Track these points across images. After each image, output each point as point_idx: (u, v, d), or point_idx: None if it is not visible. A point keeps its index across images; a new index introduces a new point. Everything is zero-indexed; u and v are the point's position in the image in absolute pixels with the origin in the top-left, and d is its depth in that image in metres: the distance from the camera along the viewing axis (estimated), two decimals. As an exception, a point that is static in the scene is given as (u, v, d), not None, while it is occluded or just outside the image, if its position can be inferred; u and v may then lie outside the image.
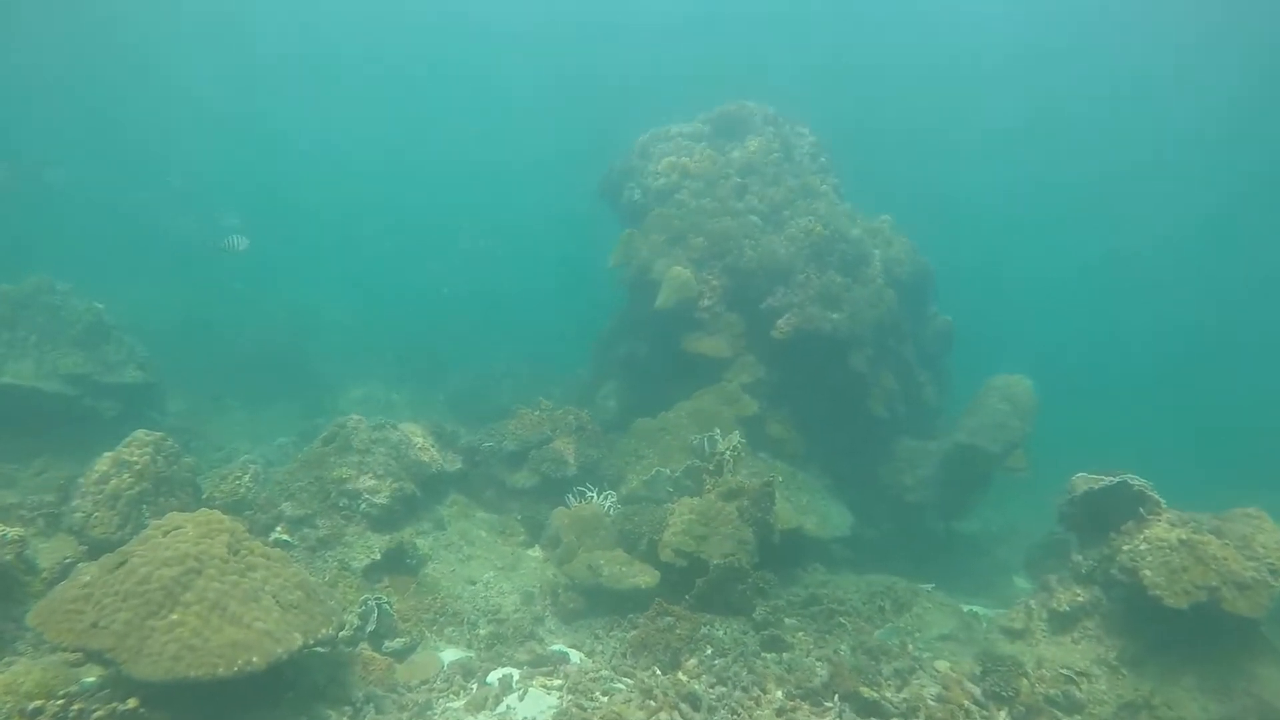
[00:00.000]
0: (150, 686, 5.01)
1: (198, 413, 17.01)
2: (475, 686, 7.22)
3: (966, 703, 6.78)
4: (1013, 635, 8.48)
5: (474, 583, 9.36)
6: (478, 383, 21.67)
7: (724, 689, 6.91)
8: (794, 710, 6.46)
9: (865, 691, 6.55)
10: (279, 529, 8.81)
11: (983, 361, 17.33)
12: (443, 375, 22.95)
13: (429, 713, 6.71)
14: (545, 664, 7.64)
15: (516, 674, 7.39)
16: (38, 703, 4.77)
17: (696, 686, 6.89)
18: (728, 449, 10.69)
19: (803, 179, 15.21)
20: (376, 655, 7.33)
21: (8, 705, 5.29)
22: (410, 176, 51.36)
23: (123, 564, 5.47)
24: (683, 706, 6.57)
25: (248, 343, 22.20)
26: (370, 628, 7.62)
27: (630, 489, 11.31)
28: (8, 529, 6.72)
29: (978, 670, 7.50)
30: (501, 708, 6.86)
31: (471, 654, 8.02)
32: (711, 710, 6.54)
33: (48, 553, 7.31)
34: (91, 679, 5.89)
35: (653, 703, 6.62)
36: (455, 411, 18.77)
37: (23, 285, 12.96)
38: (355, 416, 10.35)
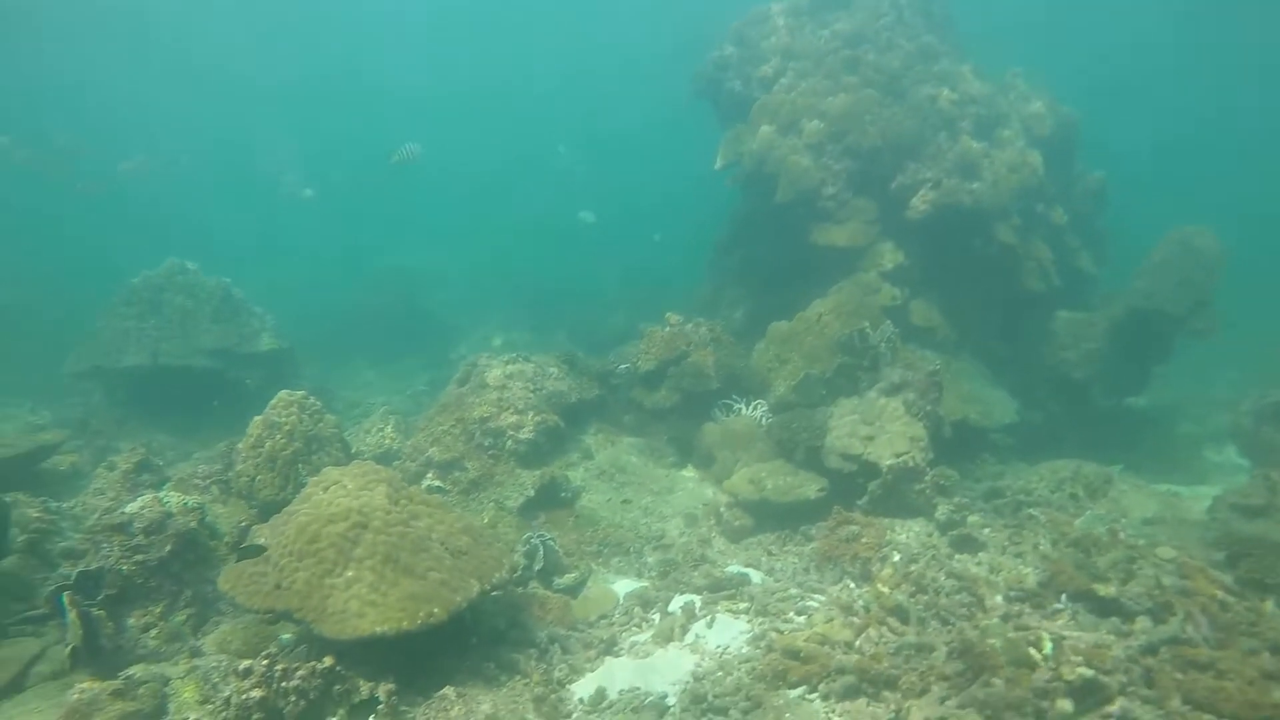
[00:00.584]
0: (341, 643, 4.84)
1: (329, 375, 17.49)
2: (658, 617, 6.88)
3: (1218, 593, 5.84)
4: (1251, 513, 7.37)
5: (632, 510, 9.02)
6: (593, 312, 21.39)
7: (928, 597, 6.25)
8: (1019, 615, 5.72)
9: (1100, 589, 5.73)
10: (429, 475, 8.70)
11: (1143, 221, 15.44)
12: (557, 310, 22.80)
13: (615, 648, 6.42)
14: (726, 587, 7.21)
15: (698, 600, 7.00)
16: (247, 663, 4.68)
17: (899, 598, 6.27)
18: (882, 341, 9.80)
19: (918, 41, 13.54)
20: (551, 594, 7.09)
21: (222, 664, 5.32)
22: (496, 112, 50.29)
23: (291, 524, 5.29)
24: (891, 620, 5.98)
25: (365, 305, 22.72)
26: (537, 566, 7.39)
27: (778, 396, 10.62)
28: (187, 497, 6.78)
29: (1219, 556, 6.52)
30: (689, 637, 6.48)
31: (645, 583, 7.70)
32: (922, 622, 5.92)
33: (225, 517, 7.41)
34: (288, 634, 5.91)
35: (856, 619, 6.06)
36: (576, 343, 18.54)
37: (160, 269, 13.36)
38: (485, 354, 10.08)
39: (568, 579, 7.62)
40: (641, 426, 11.08)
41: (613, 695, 5.74)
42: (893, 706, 5.10)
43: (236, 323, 13.33)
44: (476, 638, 5.99)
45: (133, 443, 11.12)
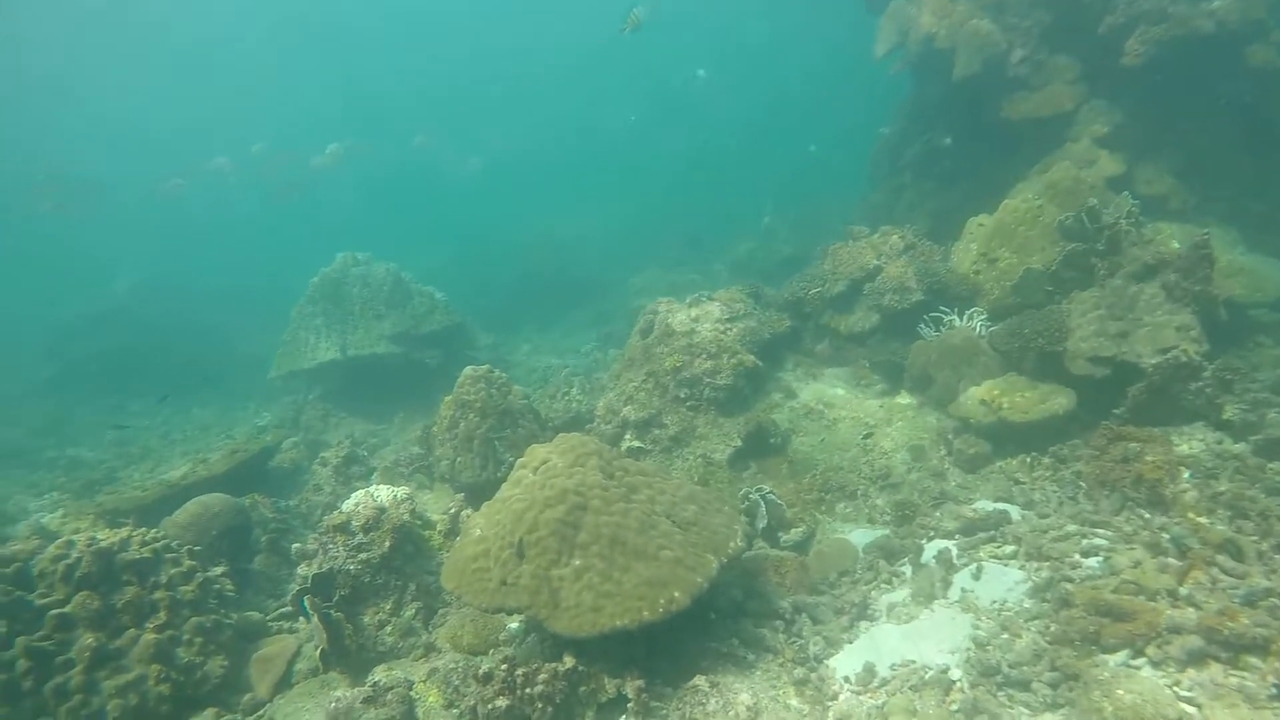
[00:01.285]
0: (579, 641, 4.36)
1: (500, 345, 17.63)
2: (908, 570, 6.00)
3: None
4: None
5: (849, 448, 8.09)
6: (755, 243, 20.22)
7: (1253, 524, 4.95)
8: None
9: None
10: (628, 436, 8.19)
11: None
12: (715, 246, 21.84)
13: (871, 611, 5.62)
14: (982, 528, 6.18)
15: (953, 547, 6.04)
16: (485, 666, 4.35)
17: (1222, 528, 5.01)
18: (1121, 215, 8.14)
19: None
20: (785, 554, 6.38)
21: (460, 665, 5.07)
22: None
23: (506, 512, 4.86)
24: (1221, 559, 4.76)
25: (522, 272, 22.83)
26: (761, 524, 6.70)
27: (993, 300, 9.22)
28: (397, 489, 6.65)
29: None
30: (954, 592, 5.55)
31: (883, 531, 6.81)
32: (1263, 558, 4.66)
33: (432, 504, 7.31)
34: (515, 623, 5.64)
35: (1172, 560, 4.89)
36: (742, 276, 17.56)
37: (334, 264, 13.75)
38: (665, 300, 9.38)
39: (794, 534, 6.89)
40: (839, 355, 10.04)
41: (883, 671, 4.96)
42: (1270, 677, 3.96)
43: (410, 305, 13.51)
44: (714, 613, 5.40)
45: (338, 435, 11.57)
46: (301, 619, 6.37)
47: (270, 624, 6.53)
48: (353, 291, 13.27)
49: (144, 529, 6.25)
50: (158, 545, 6.03)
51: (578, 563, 4.50)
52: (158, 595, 5.74)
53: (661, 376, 8.51)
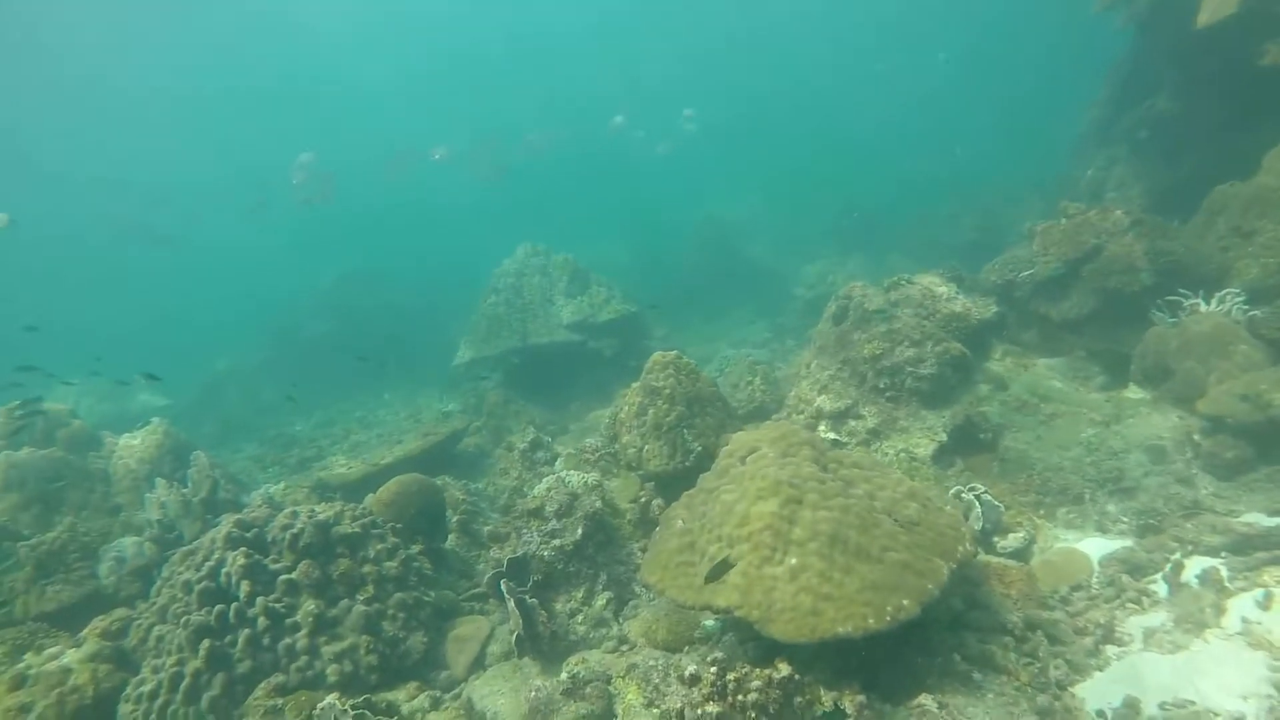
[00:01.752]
0: (795, 647, 3.98)
1: (671, 336, 17.50)
2: (1164, 590, 5.14)
3: None
4: None
5: (1071, 446, 7.17)
6: (932, 227, 18.86)
7: None
8: None
9: None
10: (822, 427, 7.70)
11: None
12: (887, 231, 20.59)
13: (1120, 635, 4.85)
14: (1261, 546, 5.19)
15: (1222, 566, 5.10)
16: (691, 668, 4.08)
17: None
18: None
19: None
20: (1006, 562, 5.69)
21: (659, 662, 4.85)
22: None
23: (713, 504, 4.56)
24: None
25: (689, 260, 22.58)
26: (976, 526, 6.02)
27: (1248, 281, 7.90)
28: (586, 475, 6.58)
29: None
30: (1233, 621, 4.67)
31: (1120, 541, 5.93)
32: None
33: (618, 492, 7.17)
34: (711, 620, 5.36)
35: None
36: (919, 262, 16.40)
37: (515, 255, 14.14)
38: (859, 284, 8.77)
39: (1013, 540, 6.16)
40: (1048, 343, 9.00)
41: (1150, 709, 4.23)
42: None
43: (588, 295, 13.63)
44: (935, 623, 4.84)
45: (518, 422, 11.84)
46: (492, 601, 6.45)
47: (463, 604, 6.65)
48: (533, 281, 13.58)
49: (352, 505, 6.54)
50: (365, 521, 6.28)
51: (793, 561, 4.12)
52: (366, 569, 5.95)
53: (859, 364, 7.93)
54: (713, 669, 4.02)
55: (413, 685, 5.57)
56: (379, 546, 6.19)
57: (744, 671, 4.03)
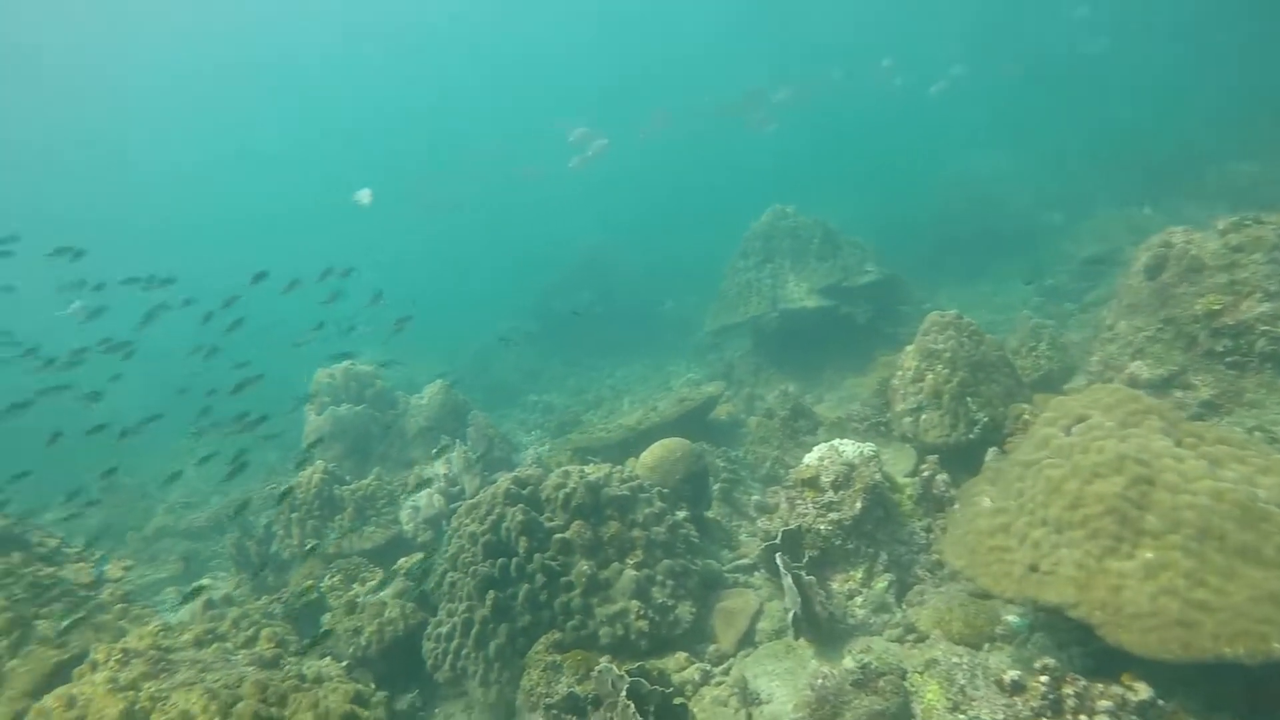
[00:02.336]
0: (1151, 664, 3.23)
1: (927, 301, 16.09)
2: None
3: None
4: None
5: None
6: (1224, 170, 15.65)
7: None
8: None
9: None
10: (1142, 398, 6.45)
11: None
12: (1176, 176, 17.36)
13: None
14: None
15: None
16: (1012, 673, 3.49)
17: None
18: None
19: None
20: None
21: (964, 660, 4.28)
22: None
23: (1034, 481, 3.87)
24: None
25: (938, 220, 20.67)
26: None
27: None
28: (863, 445, 6.04)
29: None
30: None
31: None
32: None
33: (892, 464, 6.55)
34: (1014, 616, 4.66)
35: None
36: (1209, 209, 13.60)
37: (763, 218, 13.72)
38: (1180, 229, 7.27)
39: None
40: None
41: None
42: None
43: (840, 257, 12.86)
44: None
45: (770, 389, 11.45)
46: (759, 574, 6.18)
47: (727, 575, 6.45)
48: (782, 245, 13.07)
49: (619, 467, 6.58)
50: (633, 484, 6.27)
51: (1149, 555, 3.34)
52: (635, 533, 5.94)
53: (1186, 324, 6.55)
54: (1042, 678, 3.39)
55: (681, 655, 5.45)
56: (647, 510, 6.16)
57: (1082, 686, 3.35)
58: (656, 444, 7.17)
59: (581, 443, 9.89)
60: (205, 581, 8.29)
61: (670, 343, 18.47)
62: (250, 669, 4.86)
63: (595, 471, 6.24)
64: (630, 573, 5.68)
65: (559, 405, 15.88)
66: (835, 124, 39.18)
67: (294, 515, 8.28)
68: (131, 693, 4.39)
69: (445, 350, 20.44)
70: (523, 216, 41.82)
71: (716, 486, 7.50)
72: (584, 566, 5.65)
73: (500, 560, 5.69)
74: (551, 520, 5.95)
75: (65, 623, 5.25)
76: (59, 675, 5.07)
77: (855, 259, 13.00)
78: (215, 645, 5.08)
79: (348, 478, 9.17)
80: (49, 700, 4.59)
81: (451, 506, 8.12)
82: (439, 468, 8.60)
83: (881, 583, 5.37)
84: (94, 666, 4.82)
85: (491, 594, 5.55)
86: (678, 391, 12.45)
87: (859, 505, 5.37)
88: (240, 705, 4.20)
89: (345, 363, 11.04)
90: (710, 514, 7.20)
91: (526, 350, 18.50)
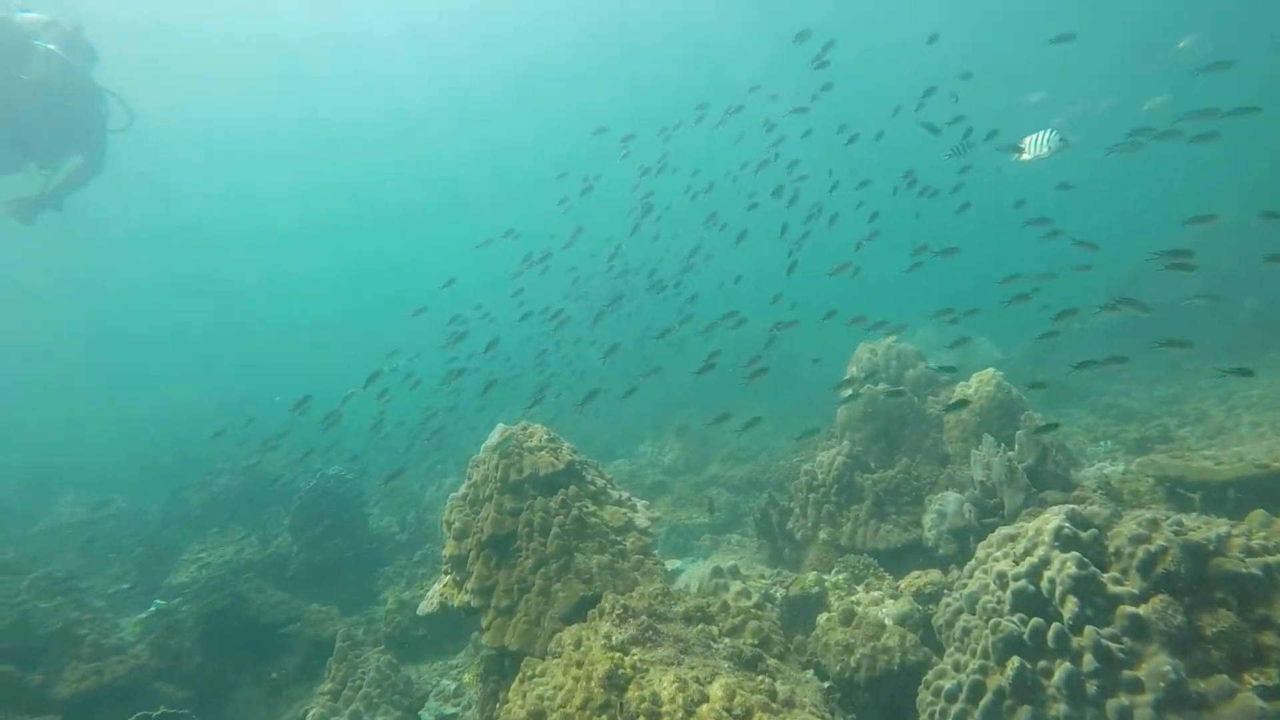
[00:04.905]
0: None
1: None
2: None
3: None
4: None
5: None
6: None
7: None
8: None
9: None
10: None
11: None
12: None
13: None
14: None
15: None
16: None
17: None
18: None
19: None
20: None
21: None
22: None
23: None
24: None
25: None
26: None
27: None
28: None
29: None
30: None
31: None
32: None
33: None
34: None
35: None
36: None
37: None
38: None
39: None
40: None
41: None
42: None
43: None
44: None
45: None
46: None
47: None
48: None
49: (1248, 527, 4.42)
50: (1270, 560, 4.12)
51: None
52: (1265, 638, 3.87)
53: None
54: None
55: None
56: (1286, 604, 3.99)
57: None
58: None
59: (1173, 470, 7.37)
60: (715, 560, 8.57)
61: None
62: (725, 664, 4.54)
63: (1201, 529, 4.27)
64: (1246, 698, 3.71)
65: (1139, 412, 12.60)
66: None
67: (811, 496, 7.95)
68: (618, 654, 4.43)
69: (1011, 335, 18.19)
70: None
71: None
72: (1163, 664, 3.88)
73: (1034, 621, 4.29)
74: (1119, 584, 4.26)
75: (592, 561, 5.70)
76: (581, 607, 5.53)
77: None
78: (700, 627, 4.90)
79: (872, 464, 8.49)
80: (565, 635, 4.98)
81: (983, 522, 6.77)
82: (976, 472, 7.27)
83: None
84: (601, 614, 5.10)
85: (1015, 661, 4.21)
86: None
87: None
88: (704, 708, 3.85)
89: (889, 338, 10.33)
90: None
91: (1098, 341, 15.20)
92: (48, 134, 9.62)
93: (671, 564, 9.78)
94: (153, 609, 11.64)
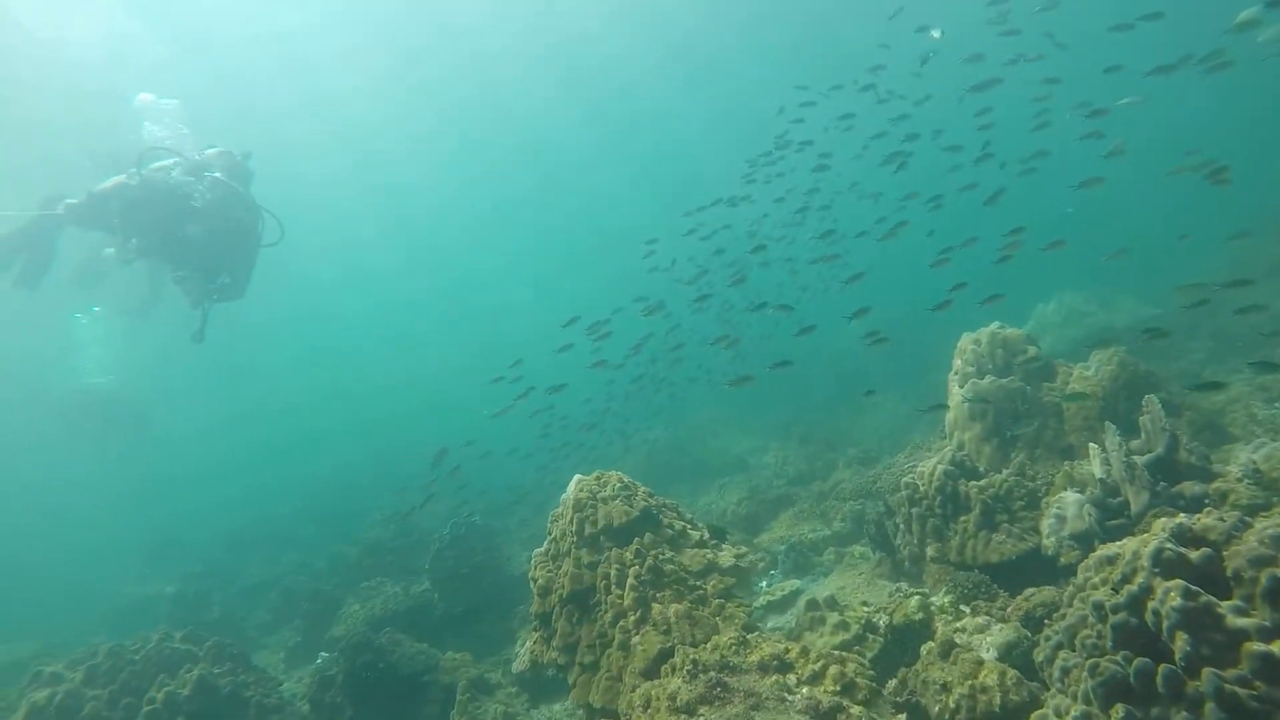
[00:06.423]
0: None
1: None
2: None
3: None
4: None
5: None
6: None
7: None
8: None
9: None
10: None
11: None
12: None
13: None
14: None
15: None
16: None
17: None
18: None
19: None
20: None
21: None
22: None
23: None
24: None
25: None
26: None
27: None
28: None
29: None
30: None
31: None
32: None
33: None
34: None
35: None
36: None
37: None
38: None
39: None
40: None
41: None
42: None
43: None
44: None
45: None
46: None
47: None
48: None
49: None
50: None
51: None
52: None
53: None
54: None
55: None
56: None
57: None
58: None
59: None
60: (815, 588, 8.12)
61: None
62: (800, 718, 4.28)
63: (1338, 542, 3.56)
64: None
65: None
66: None
67: (914, 510, 7.40)
68: (685, 717, 4.29)
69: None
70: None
71: None
72: (1301, 712, 3.26)
73: (1141, 661, 3.74)
74: (1242, 615, 3.63)
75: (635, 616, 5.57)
76: (660, 659, 5.40)
77: None
78: (775, 678, 4.66)
79: (981, 467, 7.79)
80: (636, 695, 4.88)
81: (1107, 525, 6.02)
82: (1096, 468, 6.51)
83: None
84: (672, 670, 4.96)
85: (1120, 710, 3.68)
86: None
87: None
88: (761, 783, 3.64)
89: (992, 325, 9.50)
90: None
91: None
92: (211, 250, 10.37)
93: (790, 585, 9.44)
94: (319, 661, 12.63)
